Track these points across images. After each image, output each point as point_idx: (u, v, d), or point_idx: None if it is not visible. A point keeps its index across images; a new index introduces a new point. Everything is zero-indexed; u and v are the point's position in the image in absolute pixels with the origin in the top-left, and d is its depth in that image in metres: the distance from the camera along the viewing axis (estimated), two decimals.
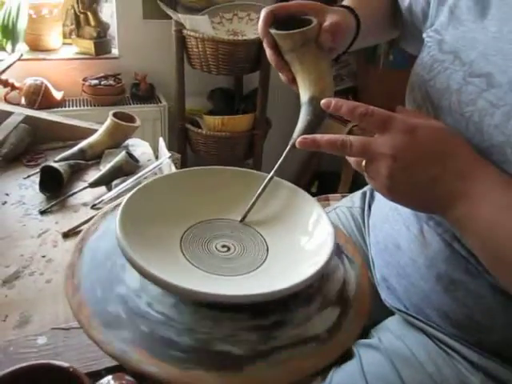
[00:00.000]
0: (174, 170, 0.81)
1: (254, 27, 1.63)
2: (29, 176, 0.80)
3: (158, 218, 0.46)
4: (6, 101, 1.52)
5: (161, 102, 1.71)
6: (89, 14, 1.58)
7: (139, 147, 0.97)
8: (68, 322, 0.50)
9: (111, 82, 1.58)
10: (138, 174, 0.79)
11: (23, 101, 1.51)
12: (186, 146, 1.80)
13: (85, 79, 1.59)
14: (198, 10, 1.66)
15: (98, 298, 0.39)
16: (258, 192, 0.49)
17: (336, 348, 0.39)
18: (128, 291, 0.40)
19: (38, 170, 0.79)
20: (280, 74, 0.56)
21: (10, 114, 0.90)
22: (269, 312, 0.40)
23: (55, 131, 0.95)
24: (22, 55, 0.83)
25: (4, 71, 0.81)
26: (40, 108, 1.50)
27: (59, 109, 1.55)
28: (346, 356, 0.56)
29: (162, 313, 0.39)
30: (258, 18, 1.74)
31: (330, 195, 0.97)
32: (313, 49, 0.51)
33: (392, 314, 0.59)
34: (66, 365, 0.30)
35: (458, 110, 0.45)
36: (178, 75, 1.62)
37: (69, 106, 1.59)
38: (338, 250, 0.47)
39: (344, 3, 0.61)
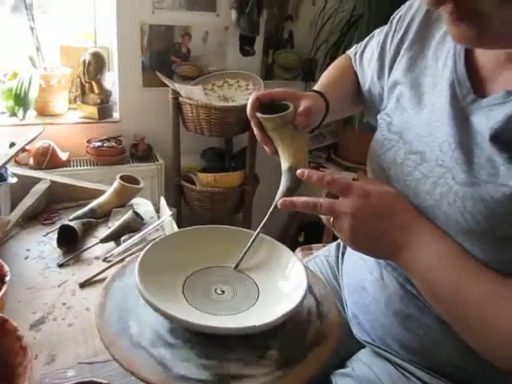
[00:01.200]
0: (175, 226, 0.93)
1: (242, 93, 1.82)
2: (47, 233, 0.90)
3: (168, 265, 0.58)
4: (16, 162, 1.65)
5: (158, 161, 1.85)
6: (93, 83, 1.75)
7: (142, 206, 1.09)
8: (88, 358, 0.60)
9: (113, 143, 1.73)
10: (144, 231, 0.90)
11: (31, 161, 1.64)
12: (181, 200, 1.93)
13: (89, 141, 1.73)
14: (192, 79, 1.84)
15: (122, 330, 0.50)
16: (248, 245, 0.61)
17: (317, 362, 0.50)
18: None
19: (54, 228, 0.90)
20: (264, 147, 0.69)
21: (35, 179, 1.02)
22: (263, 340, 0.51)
23: (68, 192, 1.06)
24: (43, 130, 0.96)
25: (28, 144, 0.93)
26: (47, 168, 1.63)
27: (65, 168, 1.68)
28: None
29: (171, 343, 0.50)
30: (246, 84, 1.97)
31: (312, 245, 1.09)
32: (290, 128, 0.64)
33: (363, 346, 0.70)
34: (105, 381, 0.40)
35: (402, 179, 0.58)
36: (174, 137, 1.77)
37: (73, 166, 1.72)
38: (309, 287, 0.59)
39: (315, 88, 0.76)
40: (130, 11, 1.71)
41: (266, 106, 0.66)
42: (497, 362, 0.48)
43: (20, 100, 1.63)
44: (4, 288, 0.62)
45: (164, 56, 1.82)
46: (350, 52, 0.85)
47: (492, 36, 0.46)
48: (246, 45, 1.86)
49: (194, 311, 0.53)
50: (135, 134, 1.84)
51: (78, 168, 1.71)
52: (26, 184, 1.00)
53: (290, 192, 0.63)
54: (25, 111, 1.64)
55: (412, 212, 0.54)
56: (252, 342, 0.50)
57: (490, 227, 0.47)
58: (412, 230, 0.53)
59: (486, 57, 0.54)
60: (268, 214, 0.62)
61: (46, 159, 1.62)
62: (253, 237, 0.62)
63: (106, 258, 0.85)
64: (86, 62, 1.68)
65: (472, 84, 0.54)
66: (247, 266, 0.62)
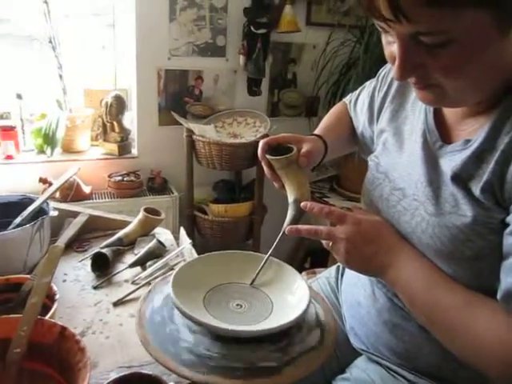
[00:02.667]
0: (194, 253, 1.05)
1: (250, 130, 1.97)
2: (82, 260, 1.03)
3: (194, 283, 0.70)
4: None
5: (173, 193, 1.99)
6: (115, 122, 1.91)
7: (163, 234, 1.21)
8: (126, 363, 0.71)
9: (132, 178, 1.87)
10: (166, 257, 1.02)
11: (58, 195, 1.78)
12: (194, 229, 2.05)
13: (110, 175, 1.88)
14: (204, 117, 2.00)
15: (158, 334, 0.62)
16: (261, 265, 0.74)
17: (326, 350, 0.62)
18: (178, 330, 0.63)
19: (87, 255, 1.03)
20: (274, 183, 0.82)
21: (68, 211, 1.15)
22: (280, 339, 0.62)
23: (97, 223, 1.19)
24: (78, 170, 1.10)
25: (62, 185, 1.07)
26: (72, 200, 1.77)
27: (88, 201, 1.82)
28: None
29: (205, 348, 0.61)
30: (254, 122, 2.16)
31: (316, 269, 1.21)
32: (294, 167, 0.77)
33: (360, 354, 0.80)
34: (150, 372, 0.51)
35: (387, 211, 0.71)
36: (188, 171, 1.92)
37: (96, 199, 1.86)
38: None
39: (316, 132, 0.90)
40: (148, 57, 1.89)
41: (274, 148, 0.79)
42: (474, 359, 0.57)
43: (48, 139, 1.79)
44: (55, 306, 0.74)
45: (178, 97, 1.99)
46: (346, 99, 0.99)
47: (449, 100, 0.58)
48: (253, 86, 2.02)
49: (216, 321, 0.65)
50: (152, 169, 1.98)
51: (100, 200, 1.84)
52: (62, 216, 1.13)
53: (295, 220, 0.75)
54: (52, 149, 1.80)
55: (395, 237, 0.66)
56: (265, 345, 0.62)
57: (453, 249, 0.59)
58: (395, 252, 0.64)
59: (449, 111, 0.67)
60: (277, 239, 0.74)
61: (72, 192, 1.76)
62: (265, 258, 0.74)
63: (134, 280, 0.97)
64: (108, 103, 1.85)
65: (440, 132, 0.67)
66: (260, 283, 0.74)
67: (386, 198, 0.71)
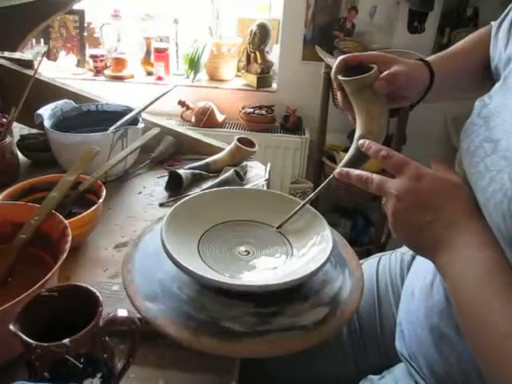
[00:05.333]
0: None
1: None
2: (162, 176, 1.03)
3: (199, 216, 0.61)
4: (182, 117, 1.89)
5: (304, 135, 1.88)
6: (257, 53, 1.85)
7: (255, 169, 1.13)
8: None
9: (263, 112, 1.82)
10: None
11: (193, 119, 1.85)
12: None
13: (243, 107, 1.86)
14: None
15: (144, 279, 0.55)
16: (297, 208, 0.61)
17: (316, 338, 0.48)
18: (165, 277, 0.55)
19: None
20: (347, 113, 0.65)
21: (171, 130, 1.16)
22: (269, 304, 0.50)
23: (195, 146, 1.18)
24: (174, 87, 1.08)
25: (159, 98, 1.06)
26: (204, 126, 1.83)
27: (219, 129, 1.85)
28: None
29: (188, 294, 0.53)
30: None
31: None
32: (368, 94, 0.59)
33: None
34: (87, 286, 0.46)
35: (468, 171, 0.48)
36: (322, 112, 1.76)
37: (227, 128, 1.88)
38: (342, 264, 0.56)
39: (431, 56, 0.67)
40: None
41: (354, 68, 0.62)
42: None
43: (193, 64, 1.84)
44: (98, 203, 0.73)
45: (327, 30, 1.80)
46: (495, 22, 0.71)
47: None
48: (415, 21, 1.69)
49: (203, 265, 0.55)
50: (288, 106, 1.89)
51: (230, 130, 1.85)
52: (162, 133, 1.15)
53: (354, 161, 0.59)
54: (195, 74, 1.85)
55: (465, 209, 0.45)
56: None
57: None
58: (458, 230, 0.44)
59: None
60: (324, 182, 0.61)
61: (205, 118, 1.81)
62: (305, 201, 0.62)
63: None
64: (252, 32, 1.79)
65: None
66: (286, 229, 0.62)
67: (472, 152, 0.49)
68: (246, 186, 0.96)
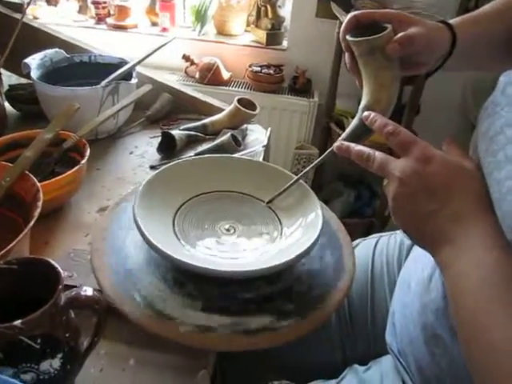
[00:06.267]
0: (261, 158, 0.89)
1: None
2: (154, 136, 0.97)
3: (179, 192, 0.56)
4: (186, 72, 1.81)
5: (313, 98, 1.79)
6: (268, 6, 1.74)
7: (255, 133, 1.07)
8: None
9: (271, 71, 1.73)
10: (234, 155, 0.89)
11: (197, 75, 1.76)
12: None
13: (250, 65, 1.77)
14: None
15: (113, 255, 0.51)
16: (290, 183, 0.57)
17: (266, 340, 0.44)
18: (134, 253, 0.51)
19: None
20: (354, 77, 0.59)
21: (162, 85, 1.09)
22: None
23: (193, 105, 1.11)
24: (173, 39, 1.00)
25: (156, 50, 0.99)
26: (208, 83, 1.75)
27: (223, 87, 1.76)
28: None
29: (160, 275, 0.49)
30: None
31: None
32: (378, 58, 0.53)
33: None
34: (50, 261, 0.42)
35: (484, 158, 0.42)
36: (333, 75, 1.67)
37: (233, 87, 1.79)
38: (333, 246, 0.54)
39: (454, 19, 0.59)
40: None
41: (366, 28, 0.54)
42: None
43: (199, 16, 1.74)
44: (81, 163, 0.69)
45: None
46: None
47: None
48: None
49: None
50: (298, 66, 1.79)
51: (236, 89, 1.77)
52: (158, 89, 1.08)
53: (355, 137, 0.53)
54: (202, 26, 1.75)
55: (475, 201, 0.40)
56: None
57: None
58: (465, 225, 0.39)
59: None
60: (321, 157, 0.56)
61: (209, 75, 1.72)
62: (299, 175, 0.57)
63: None
64: None
65: None
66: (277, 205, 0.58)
67: (490, 137, 0.42)
68: (242, 152, 0.90)
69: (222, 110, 1.09)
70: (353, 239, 0.62)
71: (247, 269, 0.43)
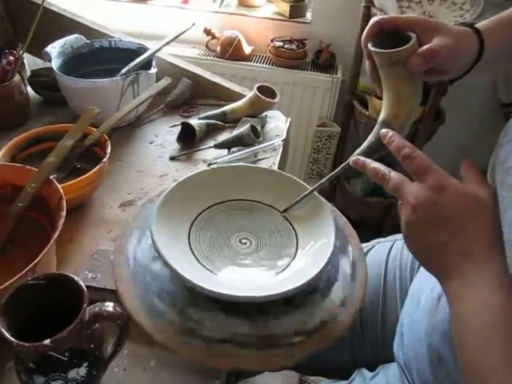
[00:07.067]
0: (279, 153, 0.89)
1: (451, 13, 1.48)
2: (174, 125, 0.98)
3: (194, 204, 0.57)
4: (207, 46, 1.77)
5: (336, 74, 1.74)
6: None
7: (275, 120, 1.06)
8: None
9: (294, 46, 1.68)
10: (252, 148, 0.89)
11: (218, 49, 1.73)
12: (350, 121, 1.82)
13: (272, 40, 1.72)
14: None
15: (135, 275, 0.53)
16: (307, 192, 0.57)
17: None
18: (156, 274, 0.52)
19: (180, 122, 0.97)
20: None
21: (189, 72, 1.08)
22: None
23: (213, 90, 1.10)
24: (193, 25, 0.98)
25: (179, 35, 0.98)
26: (230, 58, 1.71)
27: (245, 62, 1.73)
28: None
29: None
30: (463, 2, 1.59)
31: None
32: (400, 71, 0.51)
33: None
34: (75, 278, 0.44)
35: (499, 191, 0.42)
36: (357, 50, 1.61)
37: (255, 62, 1.75)
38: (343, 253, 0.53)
39: (481, 22, 0.56)
40: None
41: (389, 34, 0.53)
42: None
43: None
44: (102, 162, 0.70)
45: None
46: None
47: None
48: None
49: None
50: (321, 40, 1.74)
51: (257, 64, 1.73)
52: (176, 73, 1.07)
53: (372, 150, 0.53)
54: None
55: (487, 238, 0.39)
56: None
57: None
58: (474, 262, 0.39)
59: None
60: (338, 168, 0.55)
61: (231, 49, 1.69)
62: (314, 186, 0.57)
63: (210, 163, 0.88)
64: None
65: None
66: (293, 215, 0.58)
67: (506, 169, 0.41)
68: (261, 145, 0.90)
69: (243, 95, 1.08)
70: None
71: (268, 293, 0.44)
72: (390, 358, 0.59)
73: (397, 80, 0.52)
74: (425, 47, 0.49)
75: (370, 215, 1.86)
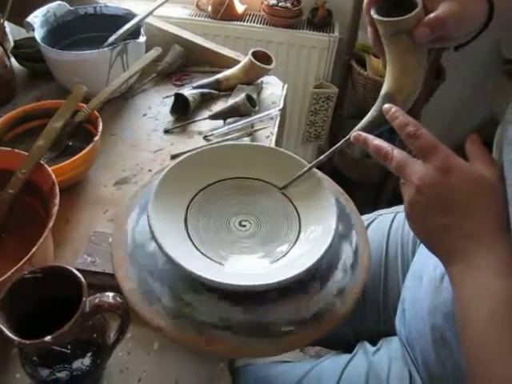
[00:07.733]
0: (277, 123, 0.86)
1: None
2: (167, 97, 0.94)
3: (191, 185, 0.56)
4: (198, 6, 1.69)
5: (333, 33, 1.67)
6: None
7: (271, 86, 1.02)
8: None
9: (288, 4, 1.60)
10: (248, 119, 0.86)
11: (210, 9, 1.65)
12: (348, 81, 1.77)
13: None
14: None
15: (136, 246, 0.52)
16: (306, 169, 0.55)
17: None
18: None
19: (173, 92, 0.93)
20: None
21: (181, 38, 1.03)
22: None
23: (206, 56, 1.06)
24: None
25: (161, 5, 0.92)
26: (222, 19, 1.64)
27: (238, 22, 1.65)
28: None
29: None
30: None
31: None
32: (404, 40, 0.48)
33: None
34: (74, 271, 0.44)
35: (508, 171, 0.40)
36: (355, 5, 1.54)
37: (247, 21, 1.68)
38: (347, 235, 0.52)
39: None
40: None
41: (394, 1, 0.49)
42: None
43: None
44: (94, 141, 0.68)
45: None
46: None
47: None
48: None
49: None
50: None
51: (250, 24, 1.66)
52: (168, 40, 1.02)
53: (373, 125, 0.51)
54: None
55: (492, 221, 0.38)
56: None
57: None
58: (478, 247, 0.38)
59: None
60: (338, 144, 0.53)
61: (222, 10, 1.61)
62: (314, 162, 0.55)
63: (206, 136, 0.86)
64: None
65: None
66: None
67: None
68: (257, 116, 0.87)
69: (237, 61, 1.04)
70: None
71: (269, 281, 0.44)
72: (391, 332, 0.60)
73: (401, 50, 0.49)
74: (431, 16, 0.45)
75: (370, 176, 1.85)
